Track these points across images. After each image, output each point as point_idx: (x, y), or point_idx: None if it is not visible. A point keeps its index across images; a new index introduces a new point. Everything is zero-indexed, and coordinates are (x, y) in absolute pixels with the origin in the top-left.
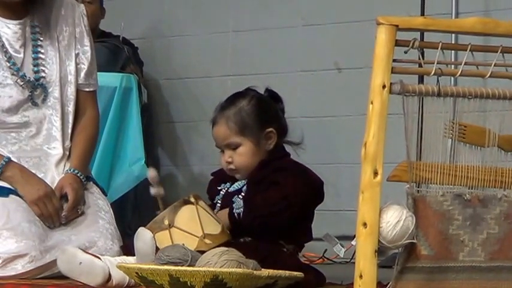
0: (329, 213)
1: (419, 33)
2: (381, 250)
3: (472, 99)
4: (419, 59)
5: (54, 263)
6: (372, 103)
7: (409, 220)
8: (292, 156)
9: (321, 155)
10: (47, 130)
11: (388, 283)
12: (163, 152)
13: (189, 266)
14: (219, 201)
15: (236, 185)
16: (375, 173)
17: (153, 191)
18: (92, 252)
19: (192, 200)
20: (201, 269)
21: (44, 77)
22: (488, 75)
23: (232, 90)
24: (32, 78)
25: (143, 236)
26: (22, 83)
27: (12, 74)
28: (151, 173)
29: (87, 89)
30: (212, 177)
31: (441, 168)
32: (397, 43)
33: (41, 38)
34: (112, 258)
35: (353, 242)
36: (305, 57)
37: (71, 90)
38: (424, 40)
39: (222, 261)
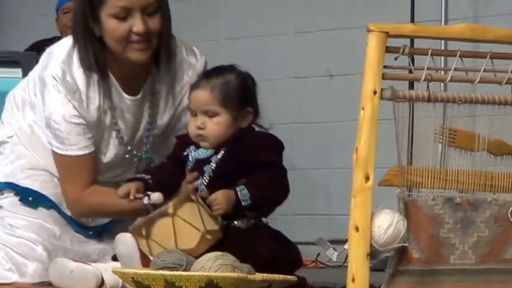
0: (321, 217)
1: (409, 39)
2: (373, 254)
3: (462, 104)
4: (409, 65)
5: None
6: (363, 109)
7: (401, 224)
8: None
9: (313, 160)
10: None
11: (380, 286)
12: None
13: (184, 270)
14: (190, 167)
15: (202, 153)
16: (367, 178)
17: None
18: (82, 261)
19: (193, 198)
20: (196, 273)
21: (151, 150)
22: (477, 80)
23: None
24: (140, 153)
25: (123, 239)
26: (130, 158)
27: (123, 152)
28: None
29: None
30: (176, 140)
31: (432, 172)
32: (388, 50)
33: (157, 112)
34: (104, 264)
35: (345, 246)
36: (297, 64)
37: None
38: (414, 46)
39: (216, 265)
